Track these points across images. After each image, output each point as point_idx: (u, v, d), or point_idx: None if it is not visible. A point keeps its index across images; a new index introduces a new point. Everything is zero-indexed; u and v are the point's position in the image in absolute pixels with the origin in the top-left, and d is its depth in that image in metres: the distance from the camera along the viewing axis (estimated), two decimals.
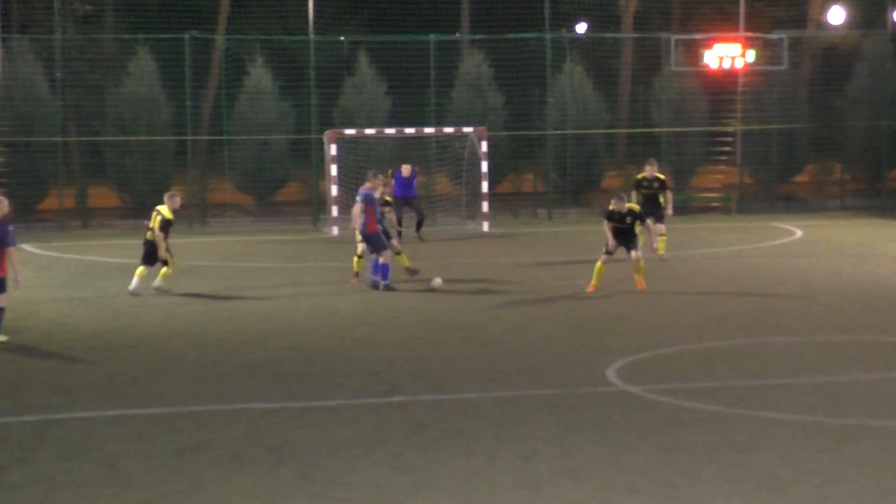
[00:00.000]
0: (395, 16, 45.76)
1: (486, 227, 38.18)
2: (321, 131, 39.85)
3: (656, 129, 44.10)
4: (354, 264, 27.93)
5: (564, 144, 42.76)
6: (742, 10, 45.43)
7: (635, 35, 47.62)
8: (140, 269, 26.69)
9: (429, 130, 40.26)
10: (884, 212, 41.51)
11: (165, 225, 26.65)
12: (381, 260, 26.46)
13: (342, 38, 46.51)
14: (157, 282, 26.84)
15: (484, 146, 38.71)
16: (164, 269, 26.82)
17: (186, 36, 41.50)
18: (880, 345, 21.23)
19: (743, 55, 43.65)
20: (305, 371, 19.79)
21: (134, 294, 26.40)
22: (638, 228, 26.78)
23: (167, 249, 26.56)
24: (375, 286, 26.49)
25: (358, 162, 39.29)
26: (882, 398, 17.40)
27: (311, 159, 41.51)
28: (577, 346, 21.21)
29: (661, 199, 30.63)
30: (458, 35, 46.34)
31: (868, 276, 28.74)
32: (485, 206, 38.56)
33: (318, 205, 40.27)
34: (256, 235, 38.84)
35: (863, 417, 16.23)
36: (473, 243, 35.95)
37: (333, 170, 37.99)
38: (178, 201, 27.61)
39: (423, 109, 42.13)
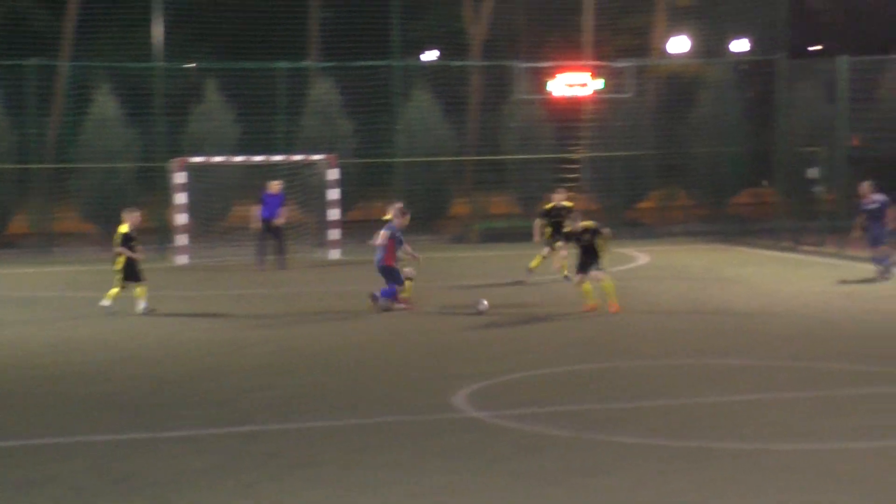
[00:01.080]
0: (244, 43, 45.51)
1: (336, 254, 38.05)
2: (169, 159, 39.38)
3: (504, 157, 44.37)
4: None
5: (413, 172, 42.81)
6: (588, 38, 45.95)
7: (483, 63, 47.87)
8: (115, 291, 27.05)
9: (278, 158, 39.96)
10: (726, 237, 42.18)
11: (124, 240, 27.15)
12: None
13: (190, 64, 46.07)
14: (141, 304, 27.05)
15: (334, 174, 38.64)
16: (128, 289, 27.16)
17: (30, 62, 40.83)
18: (724, 368, 21.51)
19: (589, 83, 44.17)
20: (154, 402, 19.45)
21: (146, 312, 27.07)
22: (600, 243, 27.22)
23: (122, 269, 27.00)
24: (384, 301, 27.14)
25: (206, 190, 38.92)
26: (724, 420, 17.66)
27: (158, 187, 41.00)
28: (428, 372, 21.19)
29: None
30: (306, 62, 46.16)
31: (712, 300, 29.17)
32: (335, 234, 38.45)
33: (165, 233, 39.77)
34: (102, 265, 38.24)
35: (706, 440, 16.45)
36: (324, 271, 35.82)
37: (181, 198, 37.55)
38: (137, 217, 28.00)
39: (272, 137, 41.92)
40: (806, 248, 38.71)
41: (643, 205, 46.85)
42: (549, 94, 44.51)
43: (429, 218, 43.95)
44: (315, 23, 48.72)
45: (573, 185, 44.85)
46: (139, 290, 26.91)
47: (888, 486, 14.33)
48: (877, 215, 30.15)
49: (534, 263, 31.73)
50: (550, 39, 48.98)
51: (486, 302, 27.00)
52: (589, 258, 26.76)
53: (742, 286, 31.04)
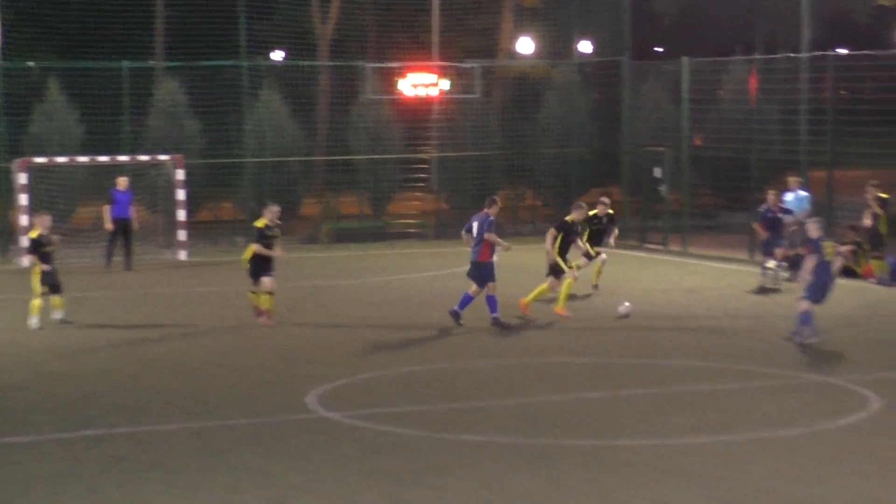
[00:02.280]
0: (88, 42, 44.82)
1: (183, 255, 37.71)
2: (10, 159, 38.62)
3: (354, 157, 44.32)
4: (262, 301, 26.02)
5: (262, 172, 42.56)
6: (435, 39, 46.07)
7: (331, 63, 47.75)
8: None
9: (123, 158, 39.41)
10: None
11: (31, 246, 26.50)
12: (487, 293, 25.37)
13: (31, 63, 45.20)
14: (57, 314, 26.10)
15: (180, 174, 38.29)
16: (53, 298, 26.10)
17: None
18: (571, 366, 21.80)
19: (437, 84, 44.28)
20: None
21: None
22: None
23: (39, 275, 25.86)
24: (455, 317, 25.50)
25: (50, 190, 38.26)
26: (571, 418, 17.90)
27: (1, 188, 40.20)
28: (278, 374, 21.17)
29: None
30: (151, 62, 45.63)
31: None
32: (182, 235, 38.10)
33: (8, 235, 39.03)
34: None
35: (556, 437, 16.65)
36: (172, 272, 35.47)
37: (23, 199, 36.88)
38: (46, 220, 26.66)
39: (117, 137, 41.32)
40: (651, 246, 39.28)
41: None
42: (399, 94, 44.52)
43: (279, 219, 43.68)
44: (160, 22, 48.30)
45: (423, 184, 45.06)
46: (56, 300, 26.18)
47: (729, 482, 14.66)
48: (775, 224, 30.31)
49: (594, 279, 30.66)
50: (398, 40, 49.02)
51: (627, 304, 26.66)
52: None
53: (589, 285, 31.38)
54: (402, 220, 44.80)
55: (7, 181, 38.61)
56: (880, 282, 29.60)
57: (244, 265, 26.05)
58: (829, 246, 22.84)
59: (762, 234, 30.08)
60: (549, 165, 45.44)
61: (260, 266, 25.61)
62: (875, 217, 29.75)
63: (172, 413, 18.59)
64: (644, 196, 42.02)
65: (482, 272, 25.19)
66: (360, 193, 44.77)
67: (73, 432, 17.48)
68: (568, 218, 27.48)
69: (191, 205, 39.55)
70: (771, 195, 30.33)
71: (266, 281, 25.25)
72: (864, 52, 43.88)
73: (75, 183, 40.37)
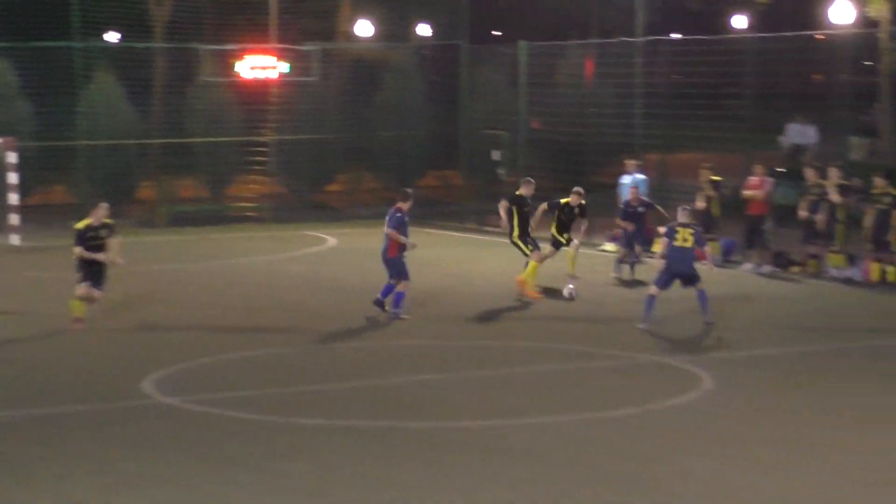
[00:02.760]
0: None
1: (16, 240, 37.08)
2: None
3: (191, 140, 43.91)
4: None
5: (96, 155, 41.95)
6: (273, 21, 45.80)
7: (167, 45, 47.23)
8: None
9: None
10: (413, 219, 42.46)
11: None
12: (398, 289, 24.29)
13: None
14: None
15: (12, 157, 37.62)
16: None
17: None
18: (409, 348, 21.86)
19: (275, 66, 44.08)
20: None
21: None
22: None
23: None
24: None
25: None
26: (410, 400, 18.02)
27: None
28: (114, 360, 20.91)
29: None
30: None
31: None
32: (15, 219, 37.46)
33: None
34: None
35: (394, 419, 16.74)
36: (5, 257, 34.78)
37: None
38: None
39: None
40: (489, 228, 39.53)
41: (331, 188, 46.97)
42: (236, 76, 44.22)
43: (114, 202, 43.11)
44: None
45: (261, 167, 44.81)
46: None
47: (563, 460, 14.90)
48: (637, 218, 29.93)
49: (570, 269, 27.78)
50: (235, 22, 48.65)
51: (572, 286, 26.51)
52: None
53: (429, 267, 31.48)
54: (240, 204, 44.51)
55: None
56: (714, 263, 30.10)
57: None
58: (683, 232, 22.98)
59: (627, 227, 30.09)
60: (387, 148, 45.47)
61: (88, 269, 23.21)
62: (708, 199, 30.21)
63: (3, 401, 18.25)
64: (482, 179, 42.28)
65: (390, 268, 24.54)
66: (197, 177, 44.40)
67: None
68: (518, 192, 27.60)
69: (23, 188, 38.88)
70: (633, 191, 30.38)
71: (80, 287, 22.93)
72: (697, 37, 44.76)
73: None
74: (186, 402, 17.91)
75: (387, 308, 24.28)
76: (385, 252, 24.30)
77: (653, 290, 23.14)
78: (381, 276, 30.26)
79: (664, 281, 23.10)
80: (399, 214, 24.36)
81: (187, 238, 38.51)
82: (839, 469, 14.43)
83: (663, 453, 15.14)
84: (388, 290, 24.32)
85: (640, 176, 32.93)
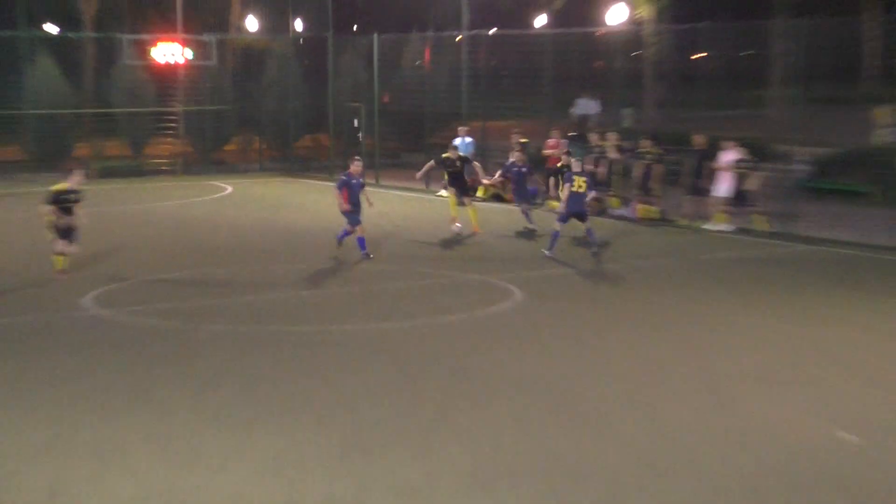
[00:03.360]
0: None
1: None
2: None
3: (115, 110, 43.20)
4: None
5: (40, 122, 41.05)
6: (179, 16, 44.98)
7: (95, 35, 46.29)
8: None
9: None
10: (291, 172, 42.49)
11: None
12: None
13: None
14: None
15: None
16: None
17: None
18: (291, 271, 21.87)
19: (182, 52, 43.52)
20: None
21: None
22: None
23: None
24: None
25: None
26: (293, 310, 18.06)
27: None
28: (46, 284, 20.39)
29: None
30: None
31: (282, 221, 29.47)
32: None
33: None
34: None
35: (281, 325, 16.83)
36: None
37: None
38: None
39: None
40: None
41: (227, 148, 46.46)
42: (151, 60, 43.60)
43: (54, 159, 42.24)
44: None
45: (173, 132, 44.20)
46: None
47: (412, 355, 15.11)
48: (521, 178, 28.19)
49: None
50: (150, 16, 47.82)
51: (459, 225, 25.73)
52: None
53: (303, 210, 31.48)
54: (155, 160, 43.96)
55: None
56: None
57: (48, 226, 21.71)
58: (579, 180, 22.92)
59: (507, 184, 29.73)
60: (271, 117, 45.17)
61: (61, 229, 21.58)
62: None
63: None
64: (345, 141, 42.22)
65: (346, 217, 22.79)
66: (121, 139, 43.73)
67: None
68: (444, 155, 27.26)
69: None
70: (518, 153, 28.88)
71: (57, 244, 21.27)
72: (508, 31, 45.03)
73: None
74: (117, 313, 17.81)
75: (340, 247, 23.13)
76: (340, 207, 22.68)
77: (557, 226, 23.10)
78: (267, 216, 30.28)
79: (564, 217, 23.01)
80: (343, 177, 22.86)
81: (114, 187, 37.87)
82: (609, 351, 14.93)
83: (483, 348, 15.48)
84: (345, 234, 22.97)
85: (469, 139, 33.13)
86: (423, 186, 35.35)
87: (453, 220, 26.05)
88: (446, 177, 27.54)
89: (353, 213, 22.62)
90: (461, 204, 26.23)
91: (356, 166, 23.08)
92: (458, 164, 26.88)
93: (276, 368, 14.33)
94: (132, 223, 29.00)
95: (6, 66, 40.57)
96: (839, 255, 23.57)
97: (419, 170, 28.27)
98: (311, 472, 10.74)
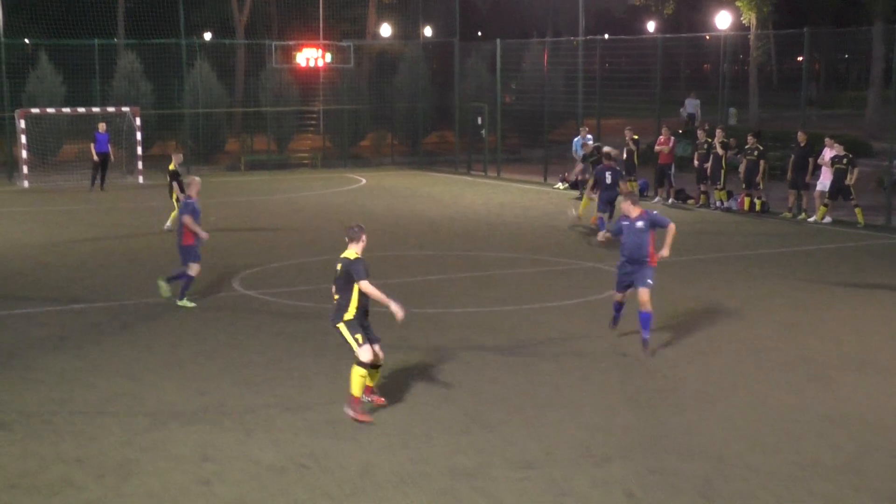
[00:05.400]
0: (68, 24, 43.26)
1: (141, 179, 36.97)
2: (13, 111, 37.41)
3: (263, 108, 43.80)
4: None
5: (196, 119, 41.82)
6: (321, 23, 45.44)
7: (245, 41, 47.02)
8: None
9: (95, 109, 38.38)
10: (419, 166, 42.57)
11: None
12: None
13: (27, 40, 43.74)
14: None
15: (137, 121, 37.52)
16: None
17: None
18: (417, 258, 21.82)
19: (323, 57, 43.93)
20: (3, 289, 18.77)
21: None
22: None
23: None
24: None
25: (42, 133, 37.42)
26: (422, 293, 17.92)
27: (6, 131, 38.83)
28: (211, 264, 20.70)
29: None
30: (115, 40, 44.36)
31: (413, 209, 29.50)
32: (140, 165, 37.38)
33: (12, 165, 37.84)
34: None
35: (409, 307, 16.74)
36: (133, 192, 34.63)
37: (23, 139, 36.02)
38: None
39: (90, 94, 40.24)
40: (475, 173, 39.42)
41: (362, 143, 46.83)
42: (296, 64, 44.15)
43: (209, 153, 43.04)
44: (121, 9, 47.08)
45: (313, 128, 44.70)
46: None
47: (530, 333, 14.95)
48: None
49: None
50: (294, 24, 48.32)
51: (575, 212, 25.24)
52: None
53: (432, 200, 31.49)
54: (297, 154, 44.46)
55: (11, 126, 37.52)
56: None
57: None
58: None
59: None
60: (402, 116, 45.35)
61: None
62: (630, 152, 30.06)
63: (131, 291, 18.39)
64: (470, 138, 42.15)
65: (182, 254, 17.13)
66: (267, 135, 44.32)
67: (62, 306, 17.30)
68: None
69: (145, 143, 38.84)
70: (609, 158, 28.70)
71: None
72: (621, 37, 44.41)
73: (61, 127, 39.46)
74: (261, 294, 18.03)
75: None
76: (179, 239, 17.15)
77: (598, 214, 23.49)
78: (399, 205, 30.39)
79: (601, 206, 23.34)
80: (190, 201, 16.94)
81: (259, 178, 38.42)
82: (713, 335, 14.54)
83: (591, 331, 15.25)
84: (181, 275, 17.11)
85: (589, 136, 32.70)
86: (540, 180, 35.18)
87: (577, 214, 25.48)
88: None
89: None
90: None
91: None
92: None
93: (403, 347, 14.27)
94: (276, 211, 29.27)
95: (169, 70, 41.51)
96: None
97: (538, 165, 28.16)
98: (436, 444, 10.69)
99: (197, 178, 17.62)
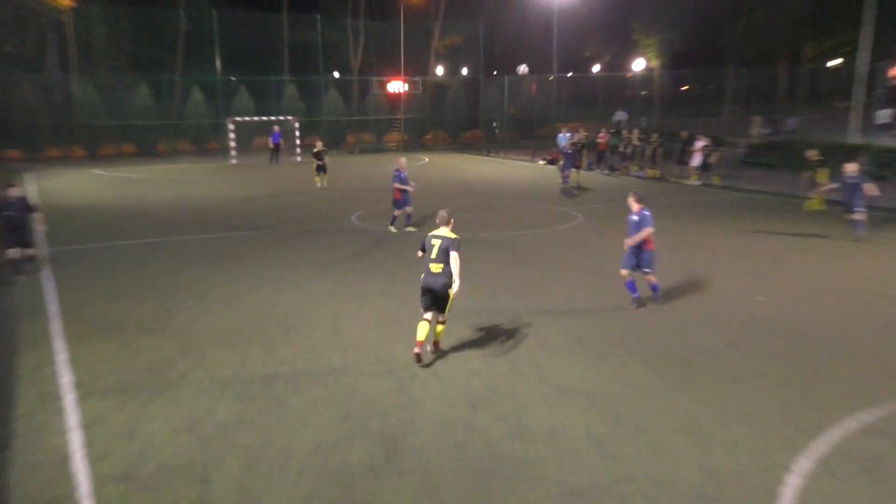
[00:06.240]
0: (257, 65, 43.08)
1: (298, 158, 36.73)
2: (226, 118, 37.48)
3: (367, 117, 43.85)
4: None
5: (329, 124, 41.89)
6: (402, 66, 45.12)
7: (357, 78, 46.76)
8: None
9: (272, 118, 38.39)
10: (459, 151, 42.28)
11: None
12: None
13: (232, 78, 43.71)
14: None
15: (297, 124, 37.41)
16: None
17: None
18: (458, 203, 20.61)
19: (403, 86, 43.71)
20: (221, 221, 17.87)
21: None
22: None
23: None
24: None
25: (242, 131, 37.53)
26: (466, 224, 16.96)
27: (224, 131, 38.97)
28: (335, 209, 20.14)
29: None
30: (283, 77, 44.18)
31: (453, 176, 28.77)
32: (298, 150, 37.35)
33: (227, 150, 37.91)
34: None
35: (469, 233, 16.65)
36: (294, 166, 34.34)
37: (231, 135, 36.06)
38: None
39: (268, 109, 40.12)
40: (492, 155, 39.32)
41: (426, 137, 46.37)
42: (387, 91, 43.97)
43: (336, 143, 43.02)
44: (286, 56, 46.57)
45: (397, 128, 44.53)
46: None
47: (523, 251, 14.55)
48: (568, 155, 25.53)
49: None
50: (386, 66, 47.96)
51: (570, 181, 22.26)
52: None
53: (466, 171, 31.34)
54: (388, 143, 44.36)
55: (224, 127, 37.72)
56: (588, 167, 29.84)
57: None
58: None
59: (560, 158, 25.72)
60: (449, 121, 45.19)
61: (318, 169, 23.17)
62: (583, 143, 29.57)
63: (278, 223, 17.73)
64: (488, 135, 42.00)
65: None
66: (370, 133, 44.23)
67: (255, 231, 16.68)
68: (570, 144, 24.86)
69: (301, 137, 38.75)
70: (574, 141, 27.06)
71: (316, 179, 23.16)
72: (578, 74, 43.63)
73: (252, 128, 39.60)
74: (371, 226, 17.48)
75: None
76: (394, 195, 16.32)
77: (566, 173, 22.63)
78: (447, 172, 29.75)
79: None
80: (398, 173, 15.97)
81: (365, 159, 38.35)
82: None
83: (549, 249, 14.97)
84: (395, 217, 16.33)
85: (568, 133, 32.25)
86: (529, 159, 35.06)
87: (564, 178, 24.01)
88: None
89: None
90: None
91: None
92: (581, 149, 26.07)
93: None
94: (376, 177, 28.96)
95: (314, 95, 41.48)
96: (758, 199, 22.63)
97: (532, 151, 27.93)
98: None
99: (403, 158, 16.35)
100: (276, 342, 9.57)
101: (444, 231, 8.75)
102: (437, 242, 8.65)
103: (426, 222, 17.44)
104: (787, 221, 18.35)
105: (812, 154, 19.16)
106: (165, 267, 13.51)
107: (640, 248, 10.57)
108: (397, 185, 16.04)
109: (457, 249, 8.49)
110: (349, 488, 6.21)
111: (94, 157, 36.66)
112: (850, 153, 22.95)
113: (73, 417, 7.35)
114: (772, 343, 9.56)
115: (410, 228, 16.39)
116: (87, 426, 7.17)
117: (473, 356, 8.97)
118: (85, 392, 7.94)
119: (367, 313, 10.69)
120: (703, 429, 7.22)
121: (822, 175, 19.12)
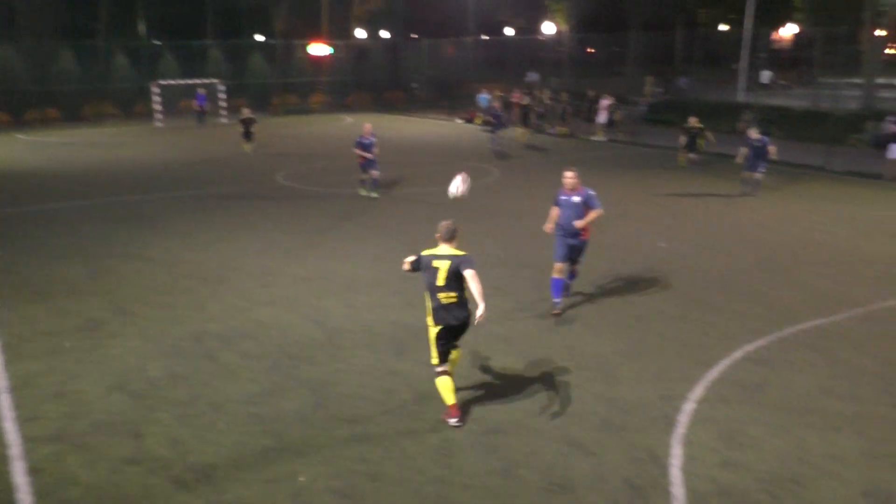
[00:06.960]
0: (181, 29, 40.76)
1: (224, 120, 35.42)
2: (149, 82, 35.47)
3: (292, 80, 42.43)
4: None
5: (256, 86, 40.25)
6: (324, 28, 43.59)
7: (283, 41, 44.92)
8: None
9: (196, 80, 36.59)
10: (381, 111, 41.36)
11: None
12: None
13: (157, 42, 41.18)
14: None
15: (221, 87, 35.90)
16: None
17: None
18: (383, 162, 20.76)
19: (325, 49, 42.46)
20: (149, 183, 17.44)
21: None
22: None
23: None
24: None
25: (167, 95, 35.44)
26: (391, 183, 17.00)
27: (148, 95, 36.78)
28: (259, 170, 19.45)
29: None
30: (207, 40, 41.95)
31: (377, 134, 28.67)
32: (223, 112, 35.83)
33: (151, 114, 35.99)
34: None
35: (385, 193, 16.33)
36: (219, 128, 33.11)
37: (156, 98, 34.25)
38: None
39: (194, 71, 38.11)
40: (412, 115, 38.82)
41: (348, 99, 44.91)
42: (309, 54, 42.64)
43: (262, 106, 41.50)
44: (210, 18, 44.35)
45: (320, 90, 43.17)
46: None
47: (448, 203, 14.30)
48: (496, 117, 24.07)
49: None
50: (309, 29, 46.29)
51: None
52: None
53: (390, 130, 30.80)
54: (312, 105, 42.79)
55: (148, 91, 35.59)
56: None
57: None
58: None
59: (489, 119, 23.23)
60: (370, 83, 44.27)
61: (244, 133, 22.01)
62: (502, 101, 29.57)
63: (205, 184, 17.13)
64: (409, 94, 41.41)
65: None
66: (295, 95, 42.84)
67: (181, 192, 16.20)
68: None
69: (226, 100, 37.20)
70: (496, 103, 26.02)
71: (244, 143, 21.93)
72: (493, 37, 43.30)
73: (177, 91, 37.51)
74: (301, 185, 17.07)
75: None
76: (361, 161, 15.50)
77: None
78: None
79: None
80: (361, 139, 15.17)
81: (290, 120, 36.90)
82: (548, 192, 13.65)
83: (481, 197, 14.71)
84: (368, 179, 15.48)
85: (486, 95, 32.07)
86: (445, 117, 34.78)
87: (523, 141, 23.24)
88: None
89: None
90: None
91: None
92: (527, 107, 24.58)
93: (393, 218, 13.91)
94: (300, 138, 27.92)
95: (239, 58, 39.75)
96: (657, 153, 23.17)
97: (449, 110, 27.58)
98: None
99: (368, 125, 15.10)
100: (206, 299, 9.35)
101: (448, 249, 6.19)
102: (441, 266, 6.08)
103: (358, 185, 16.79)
104: (685, 174, 18.93)
105: (693, 121, 19.69)
106: (94, 229, 12.92)
107: (575, 236, 8.39)
108: (358, 151, 15.01)
109: (473, 266, 6.00)
110: (281, 436, 6.15)
111: (18, 122, 34.20)
112: (737, 111, 23.75)
113: (1, 380, 6.93)
114: (672, 284, 9.93)
115: (374, 194, 15.16)
116: (16, 388, 6.84)
117: (396, 307, 9.01)
118: (13, 354, 7.58)
119: (296, 269, 10.54)
120: (609, 364, 7.43)
121: (701, 140, 19.74)
